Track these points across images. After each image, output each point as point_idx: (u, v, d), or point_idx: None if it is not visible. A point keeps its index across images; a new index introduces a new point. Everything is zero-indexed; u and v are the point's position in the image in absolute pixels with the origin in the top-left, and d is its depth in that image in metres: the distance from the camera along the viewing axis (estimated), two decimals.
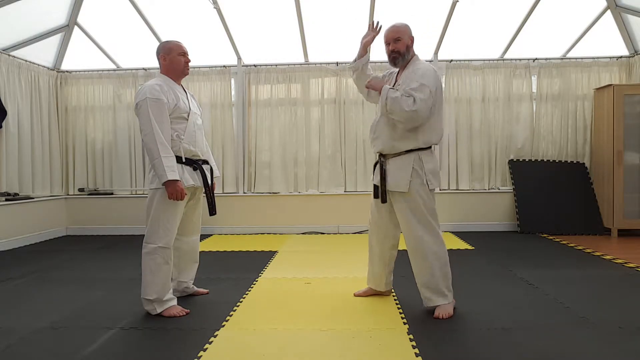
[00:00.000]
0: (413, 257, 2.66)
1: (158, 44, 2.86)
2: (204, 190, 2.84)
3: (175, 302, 2.73)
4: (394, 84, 2.71)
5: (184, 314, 2.67)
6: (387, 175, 2.65)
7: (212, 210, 2.82)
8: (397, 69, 2.76)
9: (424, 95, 2.47)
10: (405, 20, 2.74)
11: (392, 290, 3.05)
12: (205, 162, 2.85)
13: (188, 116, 2.72)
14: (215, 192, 2.89)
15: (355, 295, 3.01)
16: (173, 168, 2.55)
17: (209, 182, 2.83)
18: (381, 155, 2.70)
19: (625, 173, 5.09)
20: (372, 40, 2.74)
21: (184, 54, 2.78)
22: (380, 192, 2.67)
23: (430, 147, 2.65)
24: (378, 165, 2.72)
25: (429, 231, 2.60)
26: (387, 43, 2.69)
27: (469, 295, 2.93)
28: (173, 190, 2.56)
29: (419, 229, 2.60)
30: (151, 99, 2.57)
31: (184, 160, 2.68)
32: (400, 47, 2.63)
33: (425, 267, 2.61)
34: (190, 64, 2.83)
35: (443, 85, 4.67)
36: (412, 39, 2.67)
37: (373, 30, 2.73)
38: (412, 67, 2.63)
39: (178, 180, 2.57)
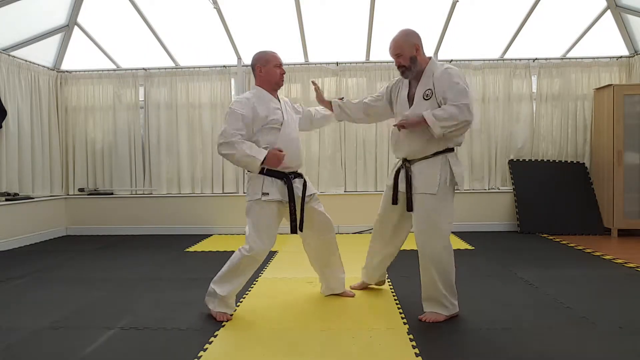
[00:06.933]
0: (421, 261, 2.59)
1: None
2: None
3: (232, 311, 2.68)
4: (409, 91, 2.63)
5: (225, 319, 2.60)
6: (413, 180, 2.58)
7: (294, 229, 2.65)
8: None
9: (468, 100, 2.39)
10: (405, 21, 2.70)
11: (389, 283, 3.06)
12: (299, 175, 2.75)
13: (281, 126, 2.66)
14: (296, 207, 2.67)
15: (351, 287, 3.11)
16: (253, 147, 2.54)
17: (295, 196, 2.64)
18: (406, 160, 2.64)
19: (625, 173, 5.08)
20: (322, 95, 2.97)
21: (280, 65, 2.76)
22: (407, 199, 2.61)
23: (454, 149, 2.60)
24: (402, 171, 2.64)
25: (441, 240, 2.53)
26: (392, 58, 2.63)
27: (469, 295, 2.93)
28: (274, 159, 2.54)
29: (433, 236, 2.53)
30: (232, 110, 2.59)
31: (264, 172, 2.61)
32: (403, 62, 2.55)
33: (429, 274, 2.56)
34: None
35: None
36: (416, 47, 2.54)
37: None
38: (435, 74, 2.50)
39: (267, 151, 2.55)
